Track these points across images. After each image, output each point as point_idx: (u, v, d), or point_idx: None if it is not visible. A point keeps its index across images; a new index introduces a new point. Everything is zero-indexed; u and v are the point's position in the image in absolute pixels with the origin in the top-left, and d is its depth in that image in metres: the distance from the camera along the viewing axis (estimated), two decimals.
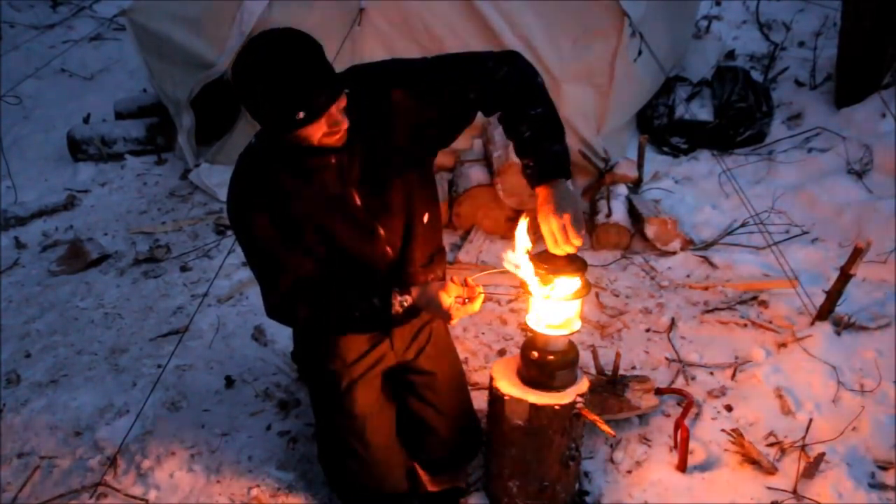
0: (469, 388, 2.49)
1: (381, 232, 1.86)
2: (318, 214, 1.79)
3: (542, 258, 1.90)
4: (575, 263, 1.88)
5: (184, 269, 3.35)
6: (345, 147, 1.73)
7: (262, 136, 1.80)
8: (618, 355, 2.45)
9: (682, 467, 2.25)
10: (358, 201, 1.80)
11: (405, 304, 1.84)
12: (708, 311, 2.98)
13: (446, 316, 1.85)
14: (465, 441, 2.22)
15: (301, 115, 1.60)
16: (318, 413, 2.16)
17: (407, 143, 1.83)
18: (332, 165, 1.75)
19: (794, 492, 2.16)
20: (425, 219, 1.94)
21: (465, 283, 1.86)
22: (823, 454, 2.24)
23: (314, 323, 1.92)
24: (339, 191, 1.78)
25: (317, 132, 1.66)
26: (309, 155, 1.72)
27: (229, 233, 3.53)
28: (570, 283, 1.87)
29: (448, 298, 1.83)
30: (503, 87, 1.89)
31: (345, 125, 1.68)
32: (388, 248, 1.89)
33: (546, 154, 1.87)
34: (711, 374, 2.66)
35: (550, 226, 1.83)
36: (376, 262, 1.89)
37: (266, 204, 1.76)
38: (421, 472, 2.19)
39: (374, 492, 2.10)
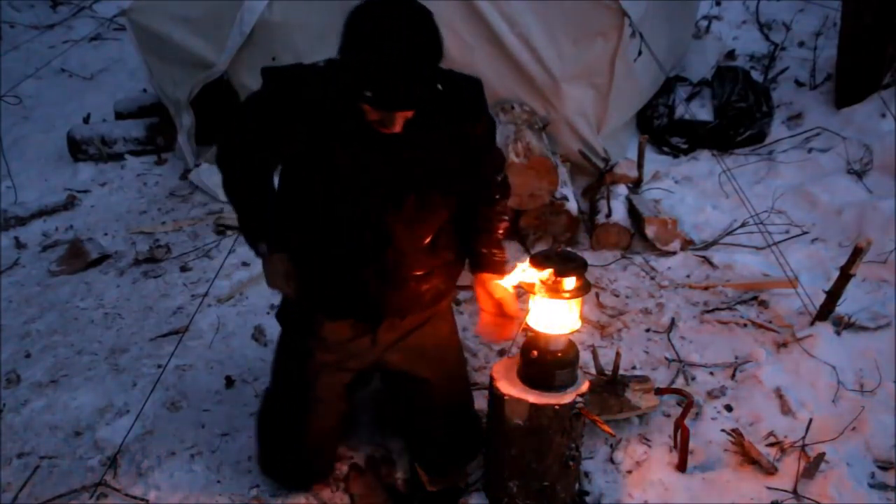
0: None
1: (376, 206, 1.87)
2: (329, 144, 1.79)
3: (542, 258, 1.90)
4: (575, 263, 1.88)
5: (184, 269, 3.35)
6: (397, 135, 1.73)
7: (332, 71, 1.79)
8: (618, 355, 2.45)
9: (682, 467, 2.25)
10: (378, 166, 1.81)
11: (261, 254, 1.96)
12: (708, 311, 2.98)
13: (267, 282, 1.99)
14: (463, 443, 2.22)
15: (368, 94, 1.59)
16: (275, 378, 2.20)
17: (450, 161, 1.90)
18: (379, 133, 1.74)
19: (794, 492, 2.16)
20: (424, 230, 1.96)
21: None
22: (823, 454, 2.24)
23: (226, 182, 2.02)
24: (369, 146, 1.77)
25: (371, 114, 1.66)
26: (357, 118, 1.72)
27: (230, 233, 3.53)
28: (569, 282, 1.87)
29: (276, 282, 1.96)
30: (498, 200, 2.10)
31: (398, 128, 1.68)
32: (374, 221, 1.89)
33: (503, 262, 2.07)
34: (711, 374, 2.66)
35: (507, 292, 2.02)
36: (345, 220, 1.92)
37: (291, 97, 1.79)
38: (420, 471, 2.19)
39: (293, 472, 2.18)
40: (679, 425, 2.27)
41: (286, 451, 2.17)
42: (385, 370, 2.15)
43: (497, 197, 2.08)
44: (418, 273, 1.96)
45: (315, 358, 2.03)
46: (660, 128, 4.18)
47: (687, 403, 2.31)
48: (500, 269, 2.06)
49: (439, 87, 1.73)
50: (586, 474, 2.25)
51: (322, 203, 1.88)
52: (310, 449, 2.16)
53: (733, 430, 2.33)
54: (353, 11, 1.61)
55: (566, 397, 1.94)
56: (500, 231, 2.09)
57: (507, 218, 2.12)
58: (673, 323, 2.91)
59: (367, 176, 1.81)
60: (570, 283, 1.87)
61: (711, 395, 2.56)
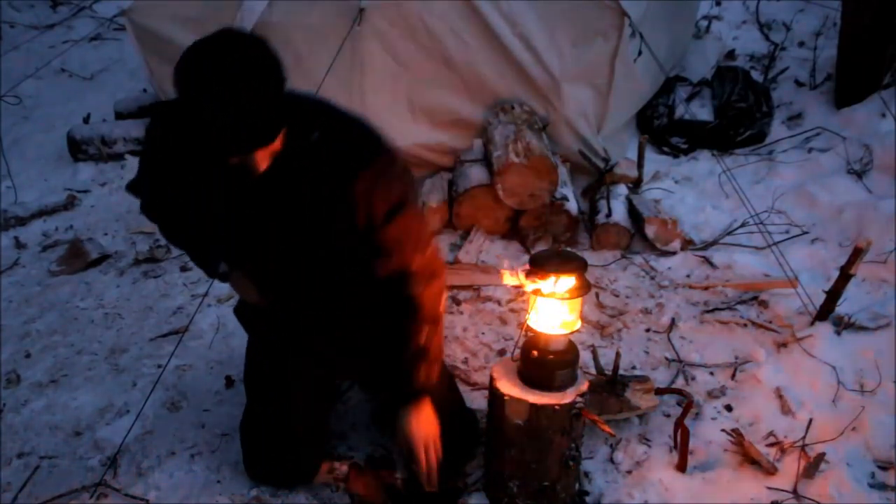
0: (469, 387, 2.50)
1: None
2: (209, 196, 1.78)
3: (542, 258, 1.90)
4: (575, 263, 1.88)
5: (184, 269, 3.35)
6: (269, 174, 1.60)
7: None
8: (618, 355, 2.45)
9: (682, 467, 2.24)
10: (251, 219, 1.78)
11: (223, 274, 2.01)
12: (708, 311, 2.98)
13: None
14: (458, 442, 2.22)
15: (214, 142, 1.50)
16: (246, 376, 2.23)
17: (326, 218, 1.74)
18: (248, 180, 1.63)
19: (794, 492, 2.16)
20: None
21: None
22: (823, 454, 2.24)
23: (160, 230, 2.11)
24: (239, 194, 1.71)
25: (230, 159, 1.55)
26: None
27: None
28: (569, 282, 1.87)
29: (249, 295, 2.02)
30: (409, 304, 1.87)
31: (263, 166, 1.57)
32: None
33: (419, 383, 1.94)
34: (711, 374, 2.66)
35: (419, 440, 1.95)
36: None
37: (171, 162, 1.79)
38: (418, 472, 2.19)
39: (276, 472, 2.19)
40: (679, 425, 2.27)
41: (267, 451, 2.17)
42: (358, 377, 2.18)
43: (406, 312, 1.85)
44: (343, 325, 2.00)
45: (281, 354, 2.07)
46: (660, 128, 4.17)
47: (687, 403, 2.31)
48: (409, 397, 1.94)
49: (315, 134, 1.63)
50: (586, 474, 2.25)
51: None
52: (290, 447, 2.15)
53: (733, 430, 2.33)
54: (178, 63, 1.46)
55: (566, 397, 1.94)
56: (409, 355, 1.89)
57: (421, 342, 1.88)
58: (673, 323, 2.91)
59: (245, 225, 1.79)
60: (570, 283, 1.87)
61: (711, 395, 2.56)
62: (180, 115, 1.61)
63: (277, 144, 1.55)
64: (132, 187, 2.02)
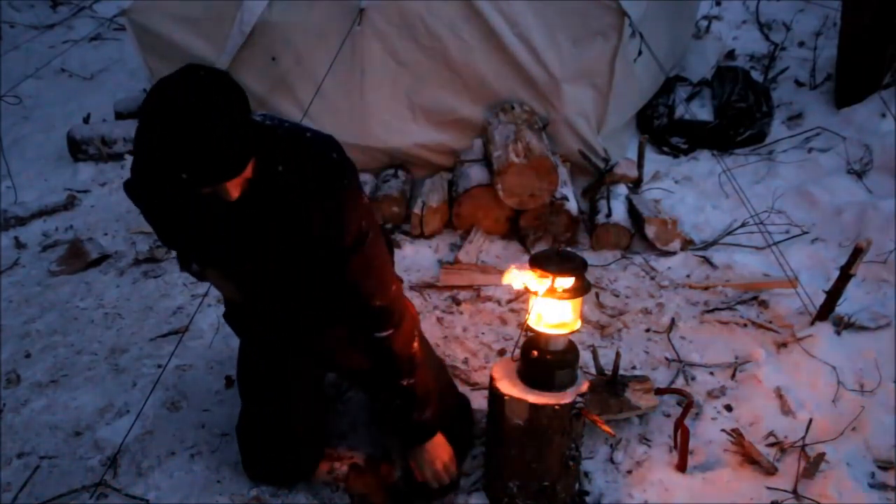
0: (469, 387, 2.50)
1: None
2: (196, 226, 1.83)
3: (542, 258, 1.90)
4: (575, 263, 1.88)
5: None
6: (243, 201, 1.63)
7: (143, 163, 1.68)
8: (618, 355, 2.45)
9: (682, 467, 2.24)
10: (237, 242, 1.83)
11: (195, 272, 2.02)
12: (708, 311, 2.98)
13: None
14: (453, 432, 2.22)
15: (185, 176, 1.49)
16: (240, 377, 2.24)
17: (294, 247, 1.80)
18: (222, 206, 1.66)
19: (794, 492, 2.16)
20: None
21: None
22: (823, 454, 2.24)
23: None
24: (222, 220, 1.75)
25: (203, 190, 1.56)
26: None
27: None
28: (569, 282, 1.86)
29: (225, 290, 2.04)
30: (382, 346, 1.92)
31: (235, 194, 1.59)
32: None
33: (417, 424, 2.02)
34: (711, 374, 2.66)
35: (431, 473, 2.07)
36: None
37: (154, 201, 1.85)
38: (413, 464, 2.19)
39: (274, 471, 2.19)
40: (679, 425, 2.26)
41: (266, 451, 2.17)
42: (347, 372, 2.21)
43: (378, 355, 1.91)
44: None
45: (270, 355, 2.10)
46: (660, 128, 4.18)
47: (687, 403, 2.31)
48: (408, 442, 2.04)
49: (279, 167, 1.67)
50: (586, 474, 2.25)
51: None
52: (289, 447, 2.16)
53: (733, 430, 2.33)
54: (143, 102, 1.50)
55: (566, 397, 1.94)
56: (399, 402, 1.96)
57: (404, 386, 1.94)
58: (673, 323, 2.91)
59: (227, 246, 1.84)
60: (569, 283, 1.87)
61: (711, 395, 2.56)
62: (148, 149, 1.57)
63: (248, 173, 1.57)
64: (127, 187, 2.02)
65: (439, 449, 2.07)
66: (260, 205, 1.68)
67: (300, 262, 1.82)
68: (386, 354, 1.92)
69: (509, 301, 3.05)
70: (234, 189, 1.57)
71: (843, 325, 2.77)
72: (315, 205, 1.71)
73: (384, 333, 1.89)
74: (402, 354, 1.93)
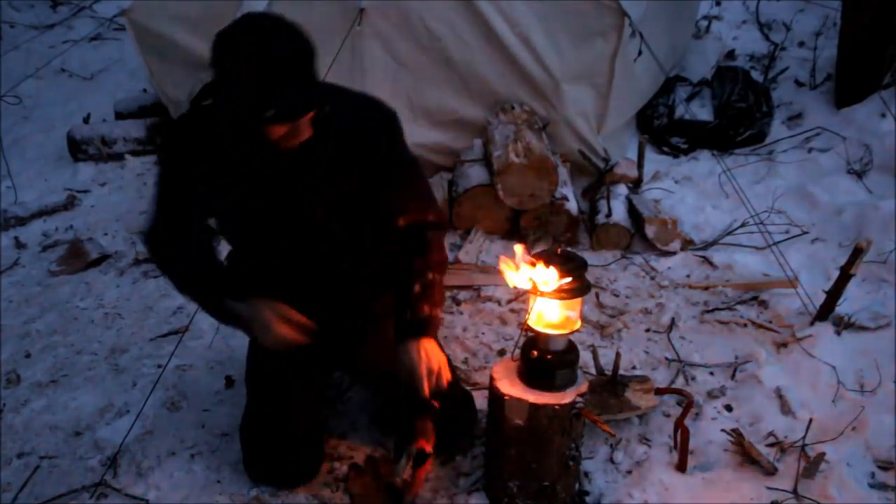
0: (469, 388, 2.50)
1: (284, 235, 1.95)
2: (237, 186, 1.85)
3: (542, 259, 1.90)
4: (575, 263, 1.88)
5: None
6: (297, 150, 1.73)
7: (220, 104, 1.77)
8: (618, 355, 2.45)
9: (682, 467, 2.24)
10: (284, 198, 1.87)
11: (233, 312, 1.94)
12: (708, 311, 2.98)
13: (265, 341, 1.95)
14: (453, 420, 2.21)
15: (271, 112, 1.58)
16: (249, 381, 2.24)
17: (351, 183, 1.90)
18: (277, 159, 1.77)
19: (794, 492, 2.16)
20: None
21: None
22: (823, 454, 2.24)
23: (162, 264, 2.06)
24: (269, 178, 1.83)
25: (275, 133, 1.64)
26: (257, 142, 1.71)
27: None
28: (569, 282, 1.86)
29: (280, 331, 1.93)
30: (426, 241, 2.02)
31: (305, 136, 1.67)
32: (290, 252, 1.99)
33: (425, 317, 1.99)
34: (711, 374, 2.66)
35: (427, 369, 1.96)
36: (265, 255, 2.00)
37: (193, 153, 1.85)
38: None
39: (280, 473, 2.18)
40: (679, 425, 2.26)
41: (267, 451, 2.17)
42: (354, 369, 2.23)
43: (417, 252, 1.99)
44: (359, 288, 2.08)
45: (282, 357, 2.08)
46: (660, 128, 4.18)
47: (687, 403, 2.31)
48: (416, 329, 1.98)
49: (327, 107, 1.73)
50: (586, 474, 2.25)
51: (255, 244, 1.98)
52: (290, 447, 2.16)
53: (733, 430, 2.33)
54: (216, 42, 1.58)
55: (566, 397, 1.94)
56: (418, 288, 1.98)
57: (429, 278, 1.99)
58: (673, 323, 2.91)
59: (277, 203, 1.88)
60: (569, 283, 1.87)
61: (711, 395, 2.56)
62: (219, 102, 1.72)
63: (312, 114, 1.66)
64: (148, 236, 2.05)
65: (436, 350, 2.01)
66: (312, 148, 1.75)
67: (355, 198, 1.91)
68: (426, 250, 1.99)
69: (509, 301, 3.05)
70: (305, 129, 1.66)
71: (843, 325, 2.77)
72: (374, 131, 1.87)
73: (430, 236, 2.01)
74: (437, 256, 2.02)
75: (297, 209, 1.89)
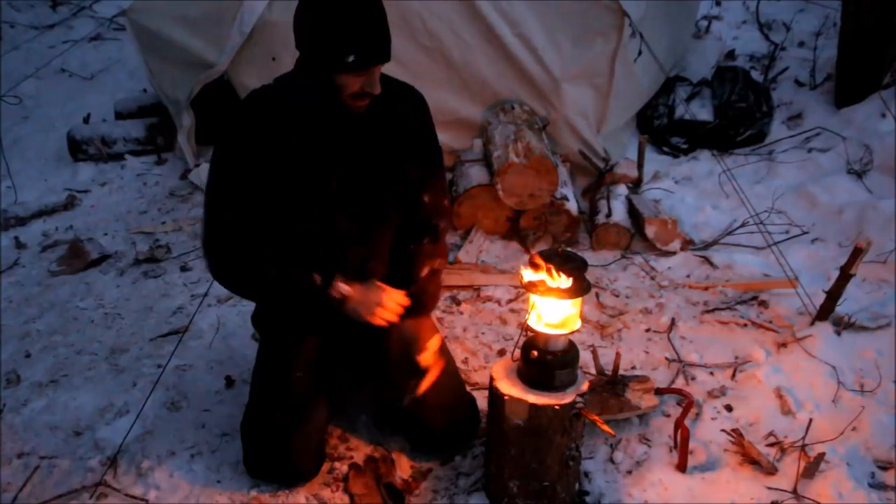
0: (469, 387, 2.50)
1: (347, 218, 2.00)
2: (303, 165, 1.89)
3: (542, 258, 1.90)
4: (575, 263, 1.88)
5: (184, 269, 3.35)
6: (361, 119, 1.86)
7: (297, 74, 1.89)
8: (618, 355, 2.45)
9: (682, 467, 2.24)
10: (344, 174, 1.94)
11: (342, 292, 1.92)
12: (708, 311, 2.98)
13: (371, 317, 1.99)
14: (457, 420, 2.27)
15: (351, 58, 1.68)
16: (256, 380, 2.25)
17: (402, 160, 2.02)
18: (345, 128, 1.87)
19: (794, 492, 2.16)
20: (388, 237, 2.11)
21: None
22: (823, 454, 2.24)
23: (241, 273, 1.96)
24: (336, 151, 1.91)
25: (353, 85, 1.74)
26: (330, 107, 1.82)
27: None
28: (569, 282, 1.87)
29: (389, 305, 2.00)
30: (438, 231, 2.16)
31: (376, 91, 1.78)
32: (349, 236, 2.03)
33: (431, 298, 2.17)
34: (711, 374, 2.66)
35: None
36: (325, 242, 2.01)
37: (264, 129, 1.86)
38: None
39: (282, 473, 2.19)
40: (679, 425, 2.26)
41: (273, 452, 2.17)
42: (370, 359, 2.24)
43: (426, 238, 2.12)
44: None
45: (293, 357, 2.12)
46: (660, 128, 4.18)
47: (687, 403, 2.31)
48: (417, 306, 2.08)
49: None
50: (586, 474, 2.25)
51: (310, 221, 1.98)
52: (297, 449, 2.16)
53: (733, 430, 2.33)
54: (299, 6, 1.77)
55: (566, 397, 1.94)
56: (423, 272, 2.10)
57: (435, 265, 2.13)
58: (673, 323, 2.91)
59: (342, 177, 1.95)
60: (569, 283, 1.87)
61: (711, 395, 2.56)
62: (277, 89, 1.88)
63: (381, 67, 1.79)
64: (215, 242, 2.04)
65: (431, 326, 2.17)
66: (375, 116, 1.88)
67: (397, 176, 2.02)
68: (438, 237, 2.15)
69: (509, 301, 3.05)
70: (376, 84, 1.77)
71: (843, 325, 2.77)
72: (418, 107, 2.03)
73: (442, 226, 2.16)
74: (444, 246, 2.20)
75: (363, 179, 1.96)
